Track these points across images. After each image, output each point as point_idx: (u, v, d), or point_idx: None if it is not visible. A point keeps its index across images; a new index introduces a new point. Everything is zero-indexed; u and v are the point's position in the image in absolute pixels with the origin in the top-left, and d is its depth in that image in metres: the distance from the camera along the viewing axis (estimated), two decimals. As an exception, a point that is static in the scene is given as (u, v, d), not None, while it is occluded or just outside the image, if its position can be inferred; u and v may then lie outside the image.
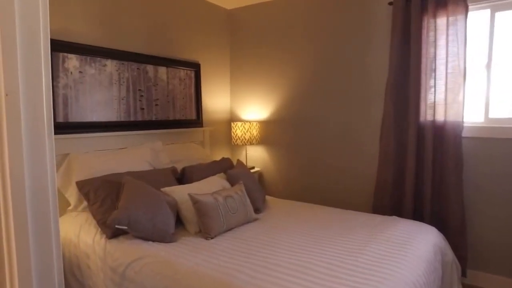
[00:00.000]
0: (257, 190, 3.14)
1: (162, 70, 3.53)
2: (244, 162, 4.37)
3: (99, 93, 2.97)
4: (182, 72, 3.76)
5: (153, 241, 2.31)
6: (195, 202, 2.50)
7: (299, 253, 2.11)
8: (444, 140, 3.01)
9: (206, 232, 2.42)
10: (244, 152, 4.44)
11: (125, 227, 2.26)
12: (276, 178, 4.20)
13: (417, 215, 3.14)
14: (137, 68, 3.27)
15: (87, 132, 2.86)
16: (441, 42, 2.97)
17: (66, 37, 2.75)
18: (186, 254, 2.13)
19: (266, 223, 2.70)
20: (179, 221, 2.59)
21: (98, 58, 2.95)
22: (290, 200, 3.43)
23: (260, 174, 4.32)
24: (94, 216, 2.43)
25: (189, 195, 2.52)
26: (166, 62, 3.55)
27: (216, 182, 2.96)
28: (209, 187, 2.82)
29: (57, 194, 1.05)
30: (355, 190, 3.62)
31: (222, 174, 3.17)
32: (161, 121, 3.54)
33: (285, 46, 3.99)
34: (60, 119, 2.71)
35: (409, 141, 3.14)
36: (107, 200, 2.49)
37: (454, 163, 2.95)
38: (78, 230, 2.45)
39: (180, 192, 2.66)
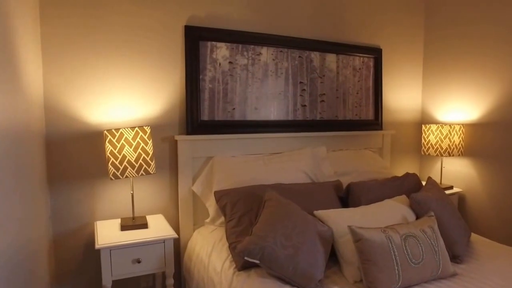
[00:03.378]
0: (457, 226, 2.09)
1: (331, 57, 2.83)
2: (438, 180, 3.24)
3: (251, 87, 2.51)
4: (357, 60, 2.97)
5: (292, 285, 1.65)
6: (357, 239, 1.71)
7: None
8: None
9: (369, 285, 1.62)
10: (438, 166, 3.29)
11: (257, 261, 1.68)
12: (489, 208, 2.90)
13: None
14: (299, 56, 2.68)
15: (235, 132, 2.44)
16: None
17: (214, 23, 2.39)
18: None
19: (471, 284, 1.68)
20: (334, 258, 1.86)
21: (252, 46, 2.49)
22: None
23: (461, 198, 3.10)
24: (228, 237, 1.95)
25: (350, 228, 1.74)
26: (336, 47, 2.84)
27: (393, 210, 2.07)
28: (381, 217, 1.98)
29: None
30: None
31: (403, 197, 2.24)
32: (327, 121, 2.85)
33: (509, 18, 2.68)
34: (205, 117, 2.37)
35: None
36: (244, 218, 1.98)
37: None
38: (211, 250, 2.02)
39: (338, 219, 1.93)
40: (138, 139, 1.92)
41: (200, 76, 2.34)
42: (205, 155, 2.34)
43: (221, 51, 2.40)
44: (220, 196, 2.12)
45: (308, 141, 2.72)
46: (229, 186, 2.20)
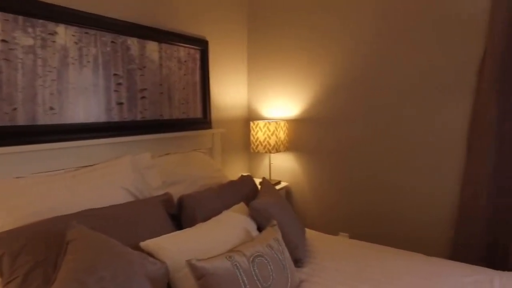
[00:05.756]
0: (296, 228, 2.06)
1: (152, 46, 2.37)
2: (267, 176, 3.23)
3: (43, 79, 1.83)
4: (183, 51, 2.60)
5: None
6: (200, 276, 1.36)
7: None
8: None
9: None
10: (266, 162, 3.29)
11: None
12: (310, 198, 3.06)
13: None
14: (112, 42, 2.12)
15: (20, 143, 1.73)
16: None
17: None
18: None
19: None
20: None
21: (41, 21, 1.80)
22: (340, 237, 2.30)
23: (288, 192, 3.18)
24: (9, 307, 1.30)
25: (189, 263, 1.37)
26: (158, 35, 2.39)
27: (234, 224, 1.81)
28: (222, 235, 1.71)
29: None
30: (426, 220, 2.54)
31: (242, 205, 2.03)
32: (151, 122, 2.39)
33: (326, 16, 2.80)
34: (-35, 122, 1.58)
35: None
36: (34, 274, 1.35)
37: None
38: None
39: (172, 249, 1.54)
40: None
41: (-49, 61, 1.53)
42: (-32, 179, 1.56)
43: (-11, 24, 1.64)
44: (-6, 242, 1.42)
45: (129, 148, 2.21)
46: (13, 224, 1.51)
